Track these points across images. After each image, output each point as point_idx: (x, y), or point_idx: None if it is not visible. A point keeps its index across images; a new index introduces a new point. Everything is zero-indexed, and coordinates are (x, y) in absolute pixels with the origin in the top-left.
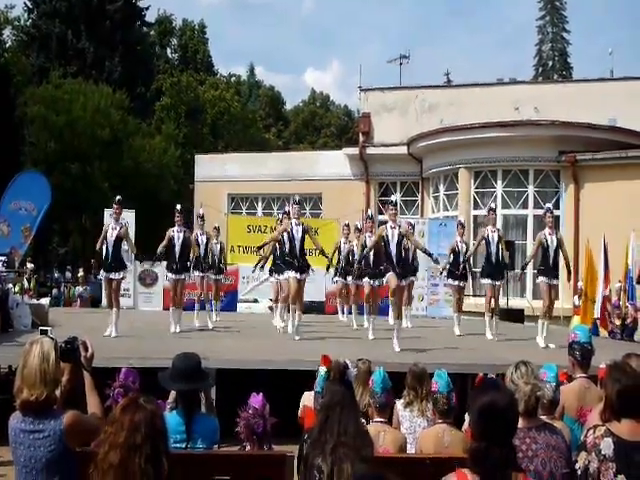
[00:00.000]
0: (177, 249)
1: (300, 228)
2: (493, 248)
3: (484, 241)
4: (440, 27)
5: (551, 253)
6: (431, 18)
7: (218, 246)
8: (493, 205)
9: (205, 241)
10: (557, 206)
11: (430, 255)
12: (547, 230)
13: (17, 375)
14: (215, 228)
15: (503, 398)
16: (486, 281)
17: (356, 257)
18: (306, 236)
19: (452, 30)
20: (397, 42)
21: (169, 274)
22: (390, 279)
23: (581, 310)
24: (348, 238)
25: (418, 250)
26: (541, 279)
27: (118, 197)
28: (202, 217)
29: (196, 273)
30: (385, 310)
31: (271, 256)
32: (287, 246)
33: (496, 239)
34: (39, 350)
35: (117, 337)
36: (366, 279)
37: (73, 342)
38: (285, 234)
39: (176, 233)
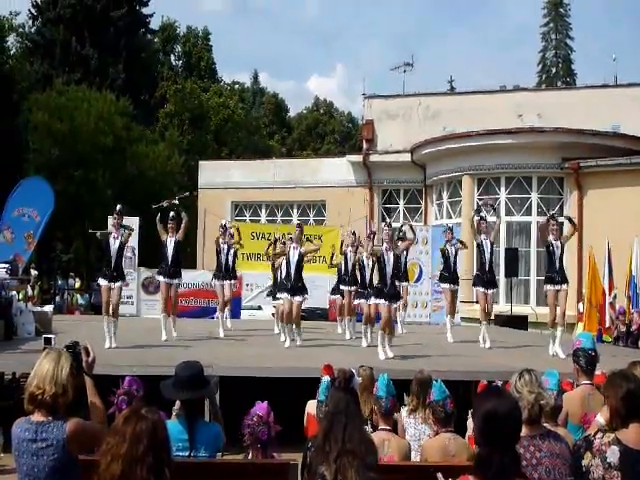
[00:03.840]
0: (170, 254)
1: (297, 252)
2: (487, 256)
3: (477, 248)
4: (444, 34)
5: (557, 259)
6: (435, 25)
7: (232, 252)
8: (483, 214)
9: (227, 250)
10: (561, 213)
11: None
12: (551, 237)
13: (32, 373)
14: (230, 235)
15: (506, 404)
16: (479, 289)
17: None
18: (304, 259)
19: (456, 37)
20: (401, 49)
21: (160, 277)
22: (382, 310)
23: (585, 317)
24: (354, 245)
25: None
26: (548, 287)
27: (119, 206)
28: (224, 227)
29: (217, 282)
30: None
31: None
32: (284, 270)
33: (489, 246)
34: (56, 356)
35: (117, 347)
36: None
37: (75, 347)
38: (284, 258)
39: (168, 238)
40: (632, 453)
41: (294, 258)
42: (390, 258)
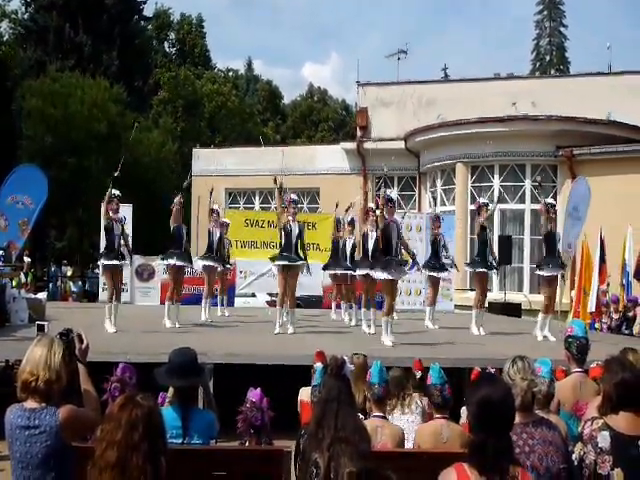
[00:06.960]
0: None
1: (297, 225)
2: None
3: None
4: (438, 22)
5: (553, 245)
6: (429, 13)
7: (226, 240)
8: (482, 200)
9: (218, 235)
10: (554, 200)
11: (414, 258)
12: (552, 225)
13: (23, 360)
14: (225, 224)
15: (499, 391)
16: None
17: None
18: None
19: (450, 25)
20: (395, 37)
21: (171, 261)
22: (384, 287)
23: (577, 305)
24: (339, 232)
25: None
26: (544, 273)
27: (116, 192)
28: (217, 212)
29: (204, 263)
30: (380, 305)
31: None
32: (284, 240)
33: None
34: (47, 342)
35: (115, 332)
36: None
37: (68, 334)
38: (283, 228)
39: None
40: (623, 438)
41: (295, 231)
42: (395, 230)
